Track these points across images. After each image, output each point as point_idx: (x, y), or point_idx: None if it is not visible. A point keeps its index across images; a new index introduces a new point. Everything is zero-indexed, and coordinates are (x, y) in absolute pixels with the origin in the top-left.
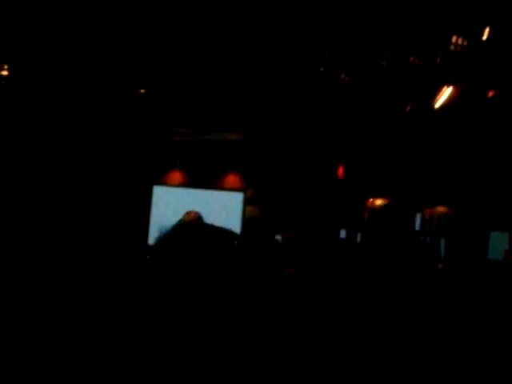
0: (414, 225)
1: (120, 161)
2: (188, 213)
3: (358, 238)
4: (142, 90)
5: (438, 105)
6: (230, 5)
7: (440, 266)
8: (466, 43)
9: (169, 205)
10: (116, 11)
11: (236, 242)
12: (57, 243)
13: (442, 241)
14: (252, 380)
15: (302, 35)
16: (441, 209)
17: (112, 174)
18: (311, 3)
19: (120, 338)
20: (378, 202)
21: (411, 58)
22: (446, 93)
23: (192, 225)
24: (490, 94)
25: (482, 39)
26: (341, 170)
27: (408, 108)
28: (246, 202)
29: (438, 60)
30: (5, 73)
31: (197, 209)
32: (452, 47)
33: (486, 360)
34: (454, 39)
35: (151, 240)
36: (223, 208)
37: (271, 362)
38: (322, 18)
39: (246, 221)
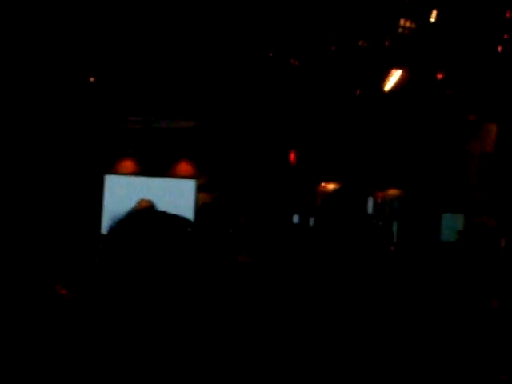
0: (366, 208)
1: (71, 150)
2: (140, 201)
3: (311, 223)
4: (92, 79)
5: (387, 88)
6: None
7: (393, 248)
8: (413, 26)
9: (121, 194)
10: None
11: (189, 229)
12: (4, 236)
13: (395, 223)
14: (204, 363)
15: (250, 21)
16: (393, 192)
17: (63, 163)
18: None
19: (71, 328)
20: (330, 186)
21: (360, 42)
22: (396, 76)
23: (144, 212)
24: (439, 75)
25: (429, 22)
26: (292, 156)
27: (358, 92)
28: (199, 189)
29: (387, 43)
30: None
31: (149, 197)
32: (400, 30)
33: (439, 342)
34: (402, 22)
35: (104, 229)
36: (176, 196)
37: (224, 348)
38: (271, 4)
39: (199, 208)
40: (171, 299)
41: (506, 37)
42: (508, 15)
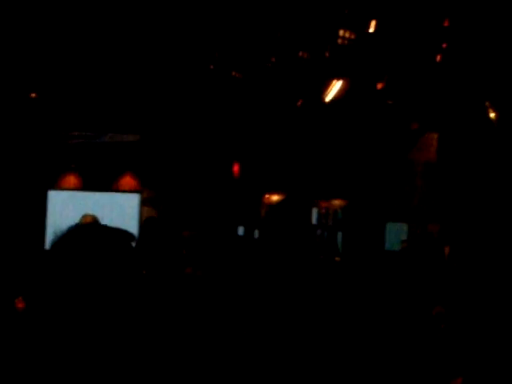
0: (310, 219)
1: (13, 166)
2: (84, 216)
3: (256, 235)
4: (34, 94)
5: (329, 98)
6: (122, 5)
7: (337, 258)
8: (353, 36)
9: (65, 209)
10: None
11: (132, 243)
12: None
13: (339, 234)
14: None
15: (191, 35)
16: (336, 202)
17: (5, 179)
18: (200, 3)
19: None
20: (274, 197)
21: (300, 53)
22: (336, 86)
23: (87, 226)
24: (380, 85)
25: (368, 32)
26: (236, 168)
27: (299, 103)
28: (143, 203)
29: (327, 54)
30: None
31: (94, 212)
32: (340, 41)
33: (383, 350)
34: (341, 33)
35: (47, 244)
36: (120, 210)
37: (168, 361)
38: (211, 17)
39: (143, 222)
40: (112, 310)
41: (444, 46)
42: (446, 24)
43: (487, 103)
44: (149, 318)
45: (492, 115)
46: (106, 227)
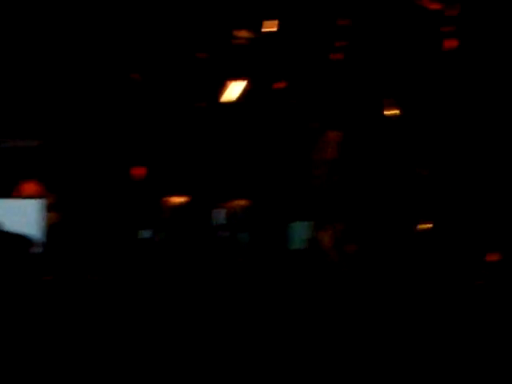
0: (215, 220)
1: None
2: None
3: (160, 237)
4: None
5: (229, 99)
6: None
7: (242, 259)
8: (252, 36)
9: None
10: None
11: (31, 249)
12: None
13: (245, 234)
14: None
15: (87, 36)
16: (241, 202)
17: None
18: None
19: None
20: (178, 199)
21: (198, 54)
22: (236, 86)
23: None
24: (280, 85)
25: (267, 31)
26: (139, 171)
27: (200, 104)
28: (46, 208)
29: (226, 54)
30: None
31: None
32: (239, 41)
33: (300, 347)
34: (240, 33)
35: None
36: (23, 216)
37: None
38: (108, 18)
39: (48, 228)
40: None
41: (341, 44)
42: (346, 22)
43: (388, 101)
44: (46, 322)
45: (393, 113)
46: (3, 233)
